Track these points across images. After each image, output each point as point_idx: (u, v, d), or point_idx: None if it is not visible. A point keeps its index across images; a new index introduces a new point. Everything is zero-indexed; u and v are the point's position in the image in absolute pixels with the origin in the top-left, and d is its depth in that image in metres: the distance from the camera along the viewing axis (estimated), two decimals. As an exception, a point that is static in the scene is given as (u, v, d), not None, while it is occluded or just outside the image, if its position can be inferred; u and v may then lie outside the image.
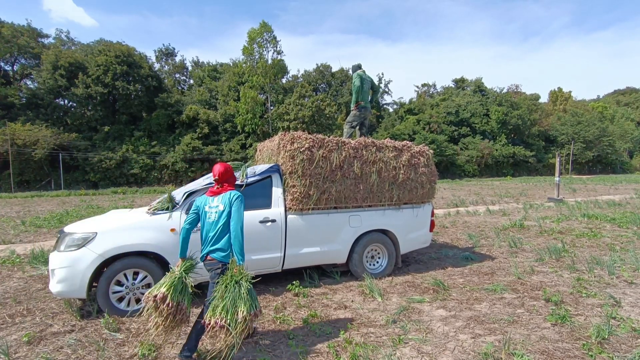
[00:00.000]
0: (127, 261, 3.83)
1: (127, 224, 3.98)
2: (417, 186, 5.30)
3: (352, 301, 4.27)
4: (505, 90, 54.45)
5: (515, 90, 56.28)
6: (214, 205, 3.00)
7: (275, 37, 36.33)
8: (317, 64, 51.02)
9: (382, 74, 69.28)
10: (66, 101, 36.16)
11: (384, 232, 5.24)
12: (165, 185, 19.68)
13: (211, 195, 3.06)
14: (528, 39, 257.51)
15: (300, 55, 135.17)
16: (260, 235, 4.35)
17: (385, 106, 54.32)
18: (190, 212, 3.12)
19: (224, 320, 2.57)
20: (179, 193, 4.34)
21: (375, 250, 5.27)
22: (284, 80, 44.71)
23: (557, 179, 15.44)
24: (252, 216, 4.23)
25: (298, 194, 4.46)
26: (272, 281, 4.98)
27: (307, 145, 4.54)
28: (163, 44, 72.17)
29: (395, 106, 54.49)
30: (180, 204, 4.14)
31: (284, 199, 4.55)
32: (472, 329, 3.48)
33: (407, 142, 5.47)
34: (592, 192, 19.76)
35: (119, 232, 3.87)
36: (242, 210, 2.95)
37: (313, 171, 4.53)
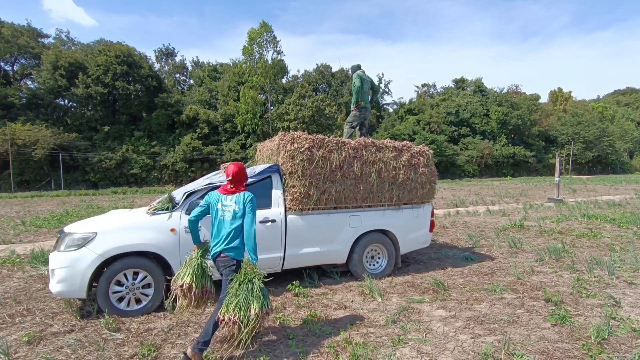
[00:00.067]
0: (127, 261, 3.83)
1: (127, 224, 3.98)
2: (417, 186, 5.30)
3: (352, 301, 4.27)
4: (505, 91, 54.47)
5: (515, 90, 56.30)
6: (228, 204, 3.04)
7: (275, 37, 36.35)
8: (317, 64, 51.09)
9: (382, 74, 69.34)
10: (66, 101, 36.17)
11: (384, 232, 5.24)
12: (165, 186, 19.67)
13: (225, 194, 3.09)
14: (528, 39, 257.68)
15: (300, 55, 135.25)
16: (260, 236, 4.32)
17: (385, 106, 54.33)
18: (200, 205, 3.20)
19: (236, 317, 2.66)
20: (179, 193, 4.34)
21: (375, 250, 5.27)
22: (284, 80, 44.72)
23: (557, 179, 15.44)
24: (252, 216, 4.23)
25: (298, 194, 4.47)
26: (272, 281, 4.98)
27: (307, 146, 4.54)
28: (163, 44, 72.26)
29: (395, 106, 54.52)
30: (180, 204, 4.14)
31: (284, 199, 4.55)
32: (472, 329, 3.48)
33: (407, 142, 5.47)
34: (592, 193, 19.77)
35: (119, 232, 3.87)
36: (255, 211, 3.04)
37: (313, 171, 4.53)
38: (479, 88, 53.95)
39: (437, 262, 6.01)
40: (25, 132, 29.03)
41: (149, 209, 4.25)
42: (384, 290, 4.59)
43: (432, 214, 5.74)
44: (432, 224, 5.73)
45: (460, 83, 57.63)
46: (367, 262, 5.20)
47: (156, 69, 43.85)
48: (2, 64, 36.57)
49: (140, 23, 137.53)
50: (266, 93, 38.16)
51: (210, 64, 49.51)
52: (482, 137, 47.90)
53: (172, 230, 3.99)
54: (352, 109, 6.27)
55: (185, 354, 2.81)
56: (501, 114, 47.62)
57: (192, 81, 49.35)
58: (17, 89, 35.03)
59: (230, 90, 39.35)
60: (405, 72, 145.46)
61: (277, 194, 4.54)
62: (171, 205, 4.13)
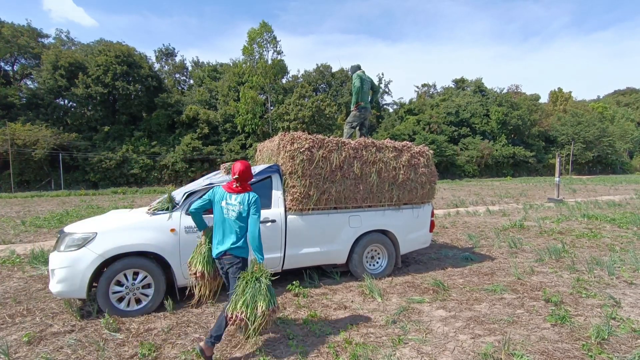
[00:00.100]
0: (127, 261, 3.82)
1: (127, 224, 3.98)
2: (417, 186, 5.30)
3: (352, 301, 4.27)
4: (505, 91, 54.49)
5: (515, 90, 56.32)
6: (233, 203, 3.05)
7: (275, 37, 36.36)
8: (317, 64, 51.09)
9: (382, 74, 69.40)
10: (66, 101, 36.17)
11: (384, 232, 5.24)
12: (165, 186, 19.69)
13: (230, 192, 3.09)
14: (528, 39, 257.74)
15: (300, 55, 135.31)
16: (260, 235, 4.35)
17: (385, 106, 54.34)
18: (202, 198, 3.22)
19: (244, 315, 2.72)
20: (178, 193, 4.34)
21: (375, 250, 5.27)
22: (284, 81, 44.73)
23: (557, 179, 15.45)
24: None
25: (298, 194, 4.47)
26: (272, 281, 4.97)
27: (307, 146, 4.54)
28: (163, 44, 72.28)
29: (395, 106, 54.53)
30: (180, 204, 4.14)
31: (284, 199, 4.55)
32: (472, 330, 3.48)
33: (407, 142, 5.47)
34: (592, 193, 19.77)
35: (119, 232, 3.87)
36: (259, 212, 3.07)
37: (313, 171, 4.53)
38: (479, 88, 53.96)
39: (437, 262, 6.01)
40: (25, 132, 29.03)
41: (149, 209, 4.25)
42: (384, 291, 4.59)
43: (432, 214, 5.74)
44: (432, 224, 5.73)
45: (460, 83, 57.64)
46: (367, 262, 5.20)
47: (156, 69, 43.86)
48: (2, 64, 36.58)
49: (140, 23, 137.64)
50: (266, 93, 38.17)
51: (210, 64, 49.52)
52: (482, 137, 47.90)
53: (172, 230, 3.99)
54: (352, 109, 6.27)
55: (200, 347, 2.91)
56: (501, 114, 47.62)
57: (192, 81, 49.36)
58: (17, 89, 35.04)
59: (230, 91, 39.35)
60: (405, 72, 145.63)
61: (277, 194, 4.54)
62: (171, 206, 4.13)
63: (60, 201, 19.59)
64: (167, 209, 4.12)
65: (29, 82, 38.19)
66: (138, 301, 3.92)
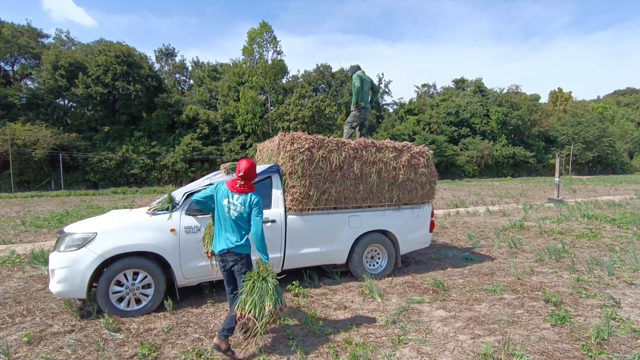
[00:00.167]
0: (127, 261, 3.82)
1: (127, 224, 3.98)
2: (417, 187, 5.30)
3: (352, 302, 4.27)
4: (505, 91, 54.51)
5: (515, 90, 56.33)
6: (235, 203, 3.06)
7: (275, 37, 36.39)
8: (317, 64, 51.11)
9: (382, 74, 69.46)
10: (66, 101, 36.19)
11: (384, 232, 5.24)
12: (165, 186, 19.70)
13: (233, 191, 3.09)
14: (528, 39, 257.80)
15: (300, 55, 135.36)
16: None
17: (385, 106, 54.35)
18: (206, 191, 3.25)
19: (251, 314, 2.78)
20: (178, 193, 4.34)
21: (375, 250, 5.27)
22: (284, 81, 44.74)
23: (557, 179, 15.45)
24: (252, 216, 4.23)
25: (298, 194, 4.47)
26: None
27: (307, 146, 4.54)
28: (163, 44, 72.29)
29: (395, 106, 54.55)
30: (180, 204, 4.14)
31: (284, 199, 4.55)
32: (472, 330, 3.48)
33: (407, 142, 5.47)
34: (592, 193, 19.77)
35: (119, 232, 3.87)
36: (262, 212, 3.08)
37: (313, 172, 4.53)
38: (479, 88, 53.98)
39: (437, 263, 6.01)
40: (25, 132, 29.05)
41: (149, 209, 4.25)
42: (384, 291, 4.59)
43: (432, 215, 5.74)
44: (432, 225, 5.73)
45: (460, 83, 57.66)
46: (367, 262, 5.20)
47: (156, 69, 43.88)
48: (2, 64, 36.59)
49: (140, 23, 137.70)
50: (266, 93, 38.18)
51: (210, 64, 49.53)
52: (482, 137, 47.92)
53: (172, 230, 3.99)
54: (352, 109, 6.27)
55: (215, 344, 2.95)
56: (501, 114, 47.63)
57: (192, 81, 49.38)
58: (17, 89, 35.05)
59: (230, 91, 39.36)
60: (405, 72, 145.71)
61: (277, 194, 4.54)
62: (171, 206, 4.13)
63: (60, 201, 19.59)
64: (167, 209, 4.11)
65: (29, 82, 38.22)
66: (138, 301, 3.92)
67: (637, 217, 9.62)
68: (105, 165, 32.25)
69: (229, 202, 3.07)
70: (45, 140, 29.41)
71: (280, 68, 38.62)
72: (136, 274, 3.89)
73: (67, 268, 3.64)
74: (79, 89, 32.80)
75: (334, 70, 49.16)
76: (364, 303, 4.23)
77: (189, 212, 4.06)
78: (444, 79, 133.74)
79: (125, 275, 3.84)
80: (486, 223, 9.89)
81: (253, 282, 2.90)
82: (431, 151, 5.68)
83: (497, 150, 46.49)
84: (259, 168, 4.60)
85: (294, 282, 4.68)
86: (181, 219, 4.05)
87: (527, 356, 2.93)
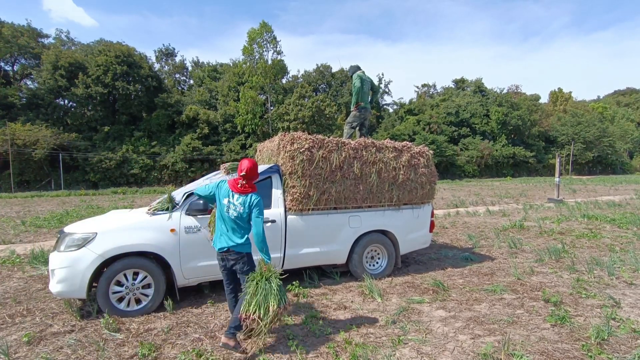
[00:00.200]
0: (127, 261, 3.82)
1: (127, 224, 3.98)
2: (417, 187, 5.30)
3: (352, 302, 4.27)
4: (505, 91, 54.52)
5: (515, 90, 56.34)
6: (235, 203, 3.06)
7: (275, 37, 36.41)
8: (317, 64, 51.11)
9: (382, 74, 69.50)
10: (66, 101, 36.20)
11: (384, 232, 5.24)
12: (165, 186, 19.74)
13: (233, 191, 3.09)
14: (528, 39, 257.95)
15: (300, 56, 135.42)
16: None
17: (385, 106, 54.36)
18: (208, 185, 3.28)
19: (256, 315, 2.83)
20: (178, 193, 4.34)
21: (375, 250, 5.27)
22: (284, 81, 44.75)
23: (557, 179, 15.45)
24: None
25: (298, 194, 4.47)
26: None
27: (307, 146, 4.54)
28: (163, 44, 72.30)
29: (395, 106, 54.56)
30: (180, 204, 4.14)
31: (284, 199, 4.55)
32: (472, 330, 3.48)
33: (407, 142, 5.47)
34: (592, 193, 19.77)
35: (119, 232, 3.87)
36: (262, 213, 3.08)
37: (313, 172, 4.53)
38: (479, 88, 53.99)
39: (437, 263, 6.01)
40: (25, 132, 29.05)
41: (149, 209, 4.24)
42: (384, 291, 4.59)
43: (432, 215, 5.74)
44: (432, 225, 5.73)
45: (460, 83, 57.66)
46: (367, 262, 5.20)
47: (156, 69, 43.89)
48: (2, 64, 36.60)
49: (140, 23, 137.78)
50: (266, 93, 38.18)
51: (210, 64, 49.54)
52: (482, 137, 47.93)
53: (172, 230, 3.98)
54: (352, 109, 6.27)
55: (223, 342, 2.98)
56: (501, 115, 47.64)
57: (192, 81, 49.38)
58: (17, 89, 35.06)
59: (230, 91, 39.36)
60: (405, 72, 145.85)
61: (277, 194, 4.54)
62: (171, 206, 4.13)
63: (60, 201, 19.59)
64: (167, 209, 4.11)
65: (29, 82, 38.23)
66: (138, 301, 3.92)
67: (637, 217, 9.62)
68: (105, 165, 32.26)
69: (229, 201, 3.07)
70: (45, 140, 29.41)
71: (280, 68, 38.63)
72: (136, 274, 3.89)
73: (67, 268, 3.64)
74: (79, 89, 32.80)
75: (334, 70, 49.18)
76: (364, 303, 4.23)
77: (189, 212, 4.06)
78: (444, 79, 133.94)
79: (125, 275, 3.84)
80: (486, 223, 9.89)
81: (257, 283, 2.92)
82: (431, 151, 5.68)
83: (497, 150, 46.49)
84: (259, 168, 4.61)
85: (294, 282, 4.68)
86: (181, 219, 4.05)
87: (527, 356, 2.93)
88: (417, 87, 61.36)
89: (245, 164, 3.09)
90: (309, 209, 4.58)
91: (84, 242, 3.72)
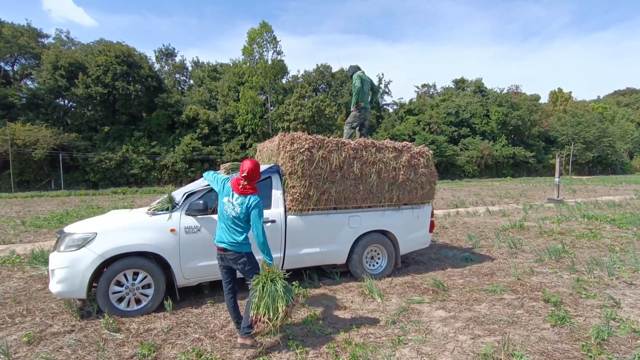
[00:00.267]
0: (127, 261, 3.82)
1: (127, 225, 3.98)
2: (417, 187, 5.30)
3: (352, 302, 4.27)
4: (505, 91, 54.51)
5: (515, 90, 56.33)
6: (234, 203, 3.07)
7: (275, 38, 36.40)
8: (317, 64, 51.11)
9: (382, 74, 69.56)
10: (66, 101, 36.20)
11: (384, 232, 5.24)
12: (165, 186, 19.73)
13: (234, 191, 3.10)
14: (528, 39, 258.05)
15: (300, 56, 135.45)
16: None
17: (385, 107, 54.36)
18: (218, 178, 3.31)
19: (266, 317, 2.88)
20: (178, 193, 4.34)
21: (375, 250, 5.27)
22: (283, 81, 44.74)
23: (557, 179, 15.45)
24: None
25: (298, 194, 4.47)
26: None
27: (307, 146, 4.54)
28: (163, 44, 72.28)
29: (395, 107, 54.56)
30: (180, 204, 4.14)
31: (284, 199, 4.55)
32: (472, 330, 3.48)
33: (407, 142, 5.47)
34: (592, 193, 19.77)
35: (119, 232, 3.87)
36: (262, 215, 3.08)
37: (313, 172, 4.53)
38: (479, 88, 53.99)
39: (437, 263, 6.01)
40: (25, 132, 29.04)
41: (148, 210, 4.25)
42: (384, 291, 4.59)
43: (432, 215, 5.74)
44: (432, 225, 5.73)
45: (460, 83, 57.67)
46: (366, 262, 5.20)
47: (156, 69, 43.89)
48: (2, 64, 36.59)
49: (140, 23, 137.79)
50: (266, 93, 38.17)
51: (210, 64, 49.53)
52: (482, 137, 47.92)
53: (172, 230, 3.99)
54: (352, 109, 6.27)
55: (240, 343, 3.06)
56: (501, 115, 47.64)
57: (192, 81, 49.38)
58: (17, 89, 35.06)
59: (230, 91, 39.36)
60: (405, 72, 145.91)
61: (277, 194, 4.54)
62: (171, 206, 4.13)
63: (60, 201, 19.59)
64: (167, 209, 4.11)
65: (29, 82, 38.22)
66: (138, 301, 3.92)
67: (637, 218, 9.62)
68: (105, 165, 32.25)
69: (229, 200, 3.08)
70: (45, 140, 29.40)
71: (280, 68, 38.63)
72: (136, 274, 3.89)
73: (67, 268, 3.64)
74: (79, 89, 32.80)
75: (334, 70, 49.17)
76: (364, 303, 4.23)
77: (188, 212, 4.06)
78: (444, 79, 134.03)
79: (125, 275, 3.84)
80: (486, 223, 9.89)
81: (262, 285, 2.95)
82: (431, 151, 5.68)
83: (497, 150, 46.49)
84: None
85: (294, 282, 4.68)
86: (181, 219, 4.05)
87: (527, 356, 2.93)
88: (417, 87, 61.44)
89: (247, 164, 3.09)
90: (308, 209, 4.58)
91: (84, 242, 3.72)
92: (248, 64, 36.72)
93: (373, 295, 4.39)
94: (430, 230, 5.71)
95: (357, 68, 6.35)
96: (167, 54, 50.27)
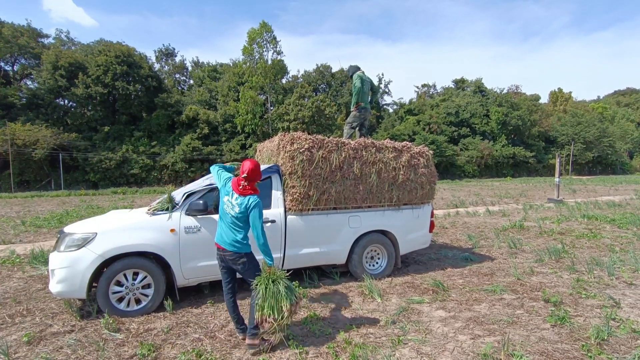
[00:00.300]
0: (127, 261, 3.82)
1: (127, 225, 3.99)
2: (417, 187, 5.30)
3: (352, 302, 4.27)
4: (505, 91, 54.50)
5: (515, 90, 56.32)
6: (233, 202, 3.08)
7: (275, 38, 36.38)
8: (317, 64, 51.09)
9: (382, 74, 69.57)
10: (66, 101, 36.18)
11: (384, 232, 5.24)
12: (165, 186, 19.72)
13: (234, 191, 3.10)
14: (528, 39, 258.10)
15: (300, 56, 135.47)
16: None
17: (385, 107, 54.35)
18: (223, 175, 3.31)
19: (272, 317, 2.92)
20: (178, 193, 4.34)
21: (375, 250, 5.27)
22: (283, 81, 44.73)
23: (557, 179, 15.45)
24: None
25: (298, 194, 4.47)
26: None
27: (306, 146, 4.54)
28: (163, 44, 72.29)
29: (395, 107, 54.55)
30: (180, 204, 4.14)
31: (284, 199, 4.55)
32: (472, 330, 3.48)
33: (407, 142, 5.47)
34: (592, 193, 19.77)
35: (119, 232, 3.87)
36: (261, 216, 3.07)
37: (313, 172, 4.53)
38: (479, 88, 53.98)
39: (437, 263, 6.01)
40: (25, 132, 29.03)
41: (148, 210, 4.25)
42: (384, 291, 4.59)
43: (432, 215, 5.74)
44: (432, 225, 5.73)
45: (460, 83, 57.66)
46: (366, 262, 5.20)
47: (156, 69, 43.87)
48: (2, 64, 36.59)
49: (140, 23, 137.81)
50: (266, 93, 38.17)
51: (210, 64, 49.53)
52: (482, 137, 47.91)
53: (172, 230, 3.99)
54: (352, 109, 6.27)
55: (248, 343, 3.09)
56: (501, 115, 47.63)
57: (192, 81, 49.37)
58: (17, 89, 35.05)
59: (230, 91, 39.36)
60: (405, 72, 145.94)
61: (276, 194, 4.54)
62: (171, 206, 4.14)
63: (60, 201, 19.59)
64: (167, 209, 4.12)
65: (29, 82, 38.21)
66: (138, 301, 3.93)
67: (637, 218, 9.62)
68: (105, 165, 32.24)
69: (229, 200, 3.09)
70: (45, 140, 29.39)
71: (280, 68, 38.62)
72: (136, 274, 3.89)
73: (67, 268, 3.64)
74: (79, 89, 32.79)
75: (334, 70, 49.15)
76: (364, 303, 4.23)
77: (188, 212, 4.07)
78: (444, 79, 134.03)
79: (125, 275, 3.84)
80: (486, 223, 9.89)
81: (265, 287, 2.96)
82: (431, 151, 5.68)
83: (497, 150, 46.48)
84: (259, 168, 4.61)
85: (293, 282, 4.64)
86: (181, 219, 4.05)
87: (527, 356, 2.93)
88: (417, 87, 61.42)
89: (247, 165, 3.09)
90: (308, 209, 4.58)
91: (84, 242, 3.72)
92: (248, 64, 36.71)
93: (373, 295, 4.40)
94: (430, 230, 5.71)
95: (357, 68, 6.35)
96: (167, 54, 50.27)
